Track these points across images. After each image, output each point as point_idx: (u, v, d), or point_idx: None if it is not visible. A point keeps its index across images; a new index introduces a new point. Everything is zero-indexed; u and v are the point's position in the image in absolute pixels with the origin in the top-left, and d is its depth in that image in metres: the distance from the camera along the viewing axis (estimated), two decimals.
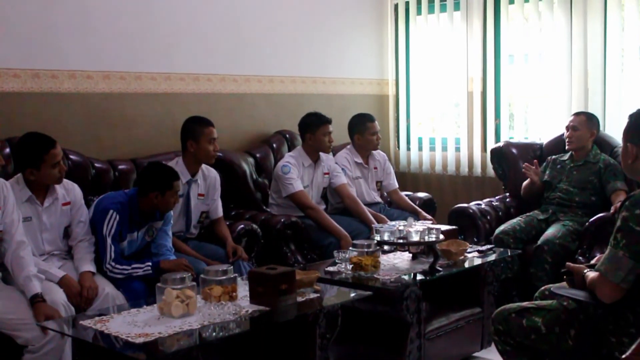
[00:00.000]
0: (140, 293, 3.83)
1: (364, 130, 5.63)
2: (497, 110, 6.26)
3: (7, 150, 4.12)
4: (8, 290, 3.59)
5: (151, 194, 4.01)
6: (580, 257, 4.71)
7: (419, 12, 6.67)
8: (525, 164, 5.35)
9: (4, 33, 4.45)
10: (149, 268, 3.97)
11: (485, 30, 6.24)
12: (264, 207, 5.41)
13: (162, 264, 3.99)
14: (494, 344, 3.22)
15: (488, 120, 6.30)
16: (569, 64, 5.76)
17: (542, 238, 4.90)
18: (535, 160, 5.37)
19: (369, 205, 5.47)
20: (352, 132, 5.70)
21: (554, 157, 5.44)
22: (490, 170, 6.08)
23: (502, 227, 5.12)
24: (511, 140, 5.99)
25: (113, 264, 3.94)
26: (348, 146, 5.75)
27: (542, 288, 3.43)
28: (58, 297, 3.59)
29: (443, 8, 6.48)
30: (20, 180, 3.87)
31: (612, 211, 4.70)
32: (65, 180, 4.02)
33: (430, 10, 6.59)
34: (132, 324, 3.02)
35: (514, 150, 5.78)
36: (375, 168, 5.79)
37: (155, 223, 4.19)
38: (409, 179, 6.79)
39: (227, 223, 4.82)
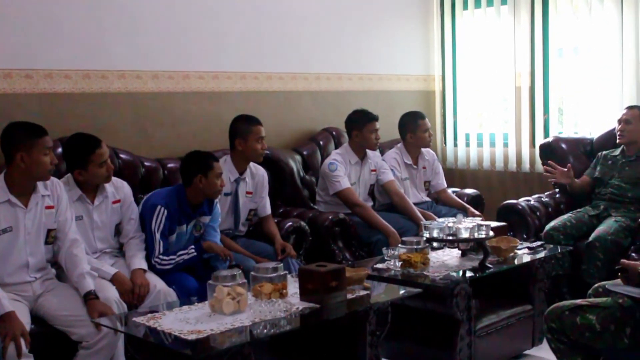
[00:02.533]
0: (192, 290, 3.87)
1: (416, 128, 5.60)
2: (546, 105, 6.17)
3: (59, 150, 4.18)
4: (62, 287, 3.66)
5: (195, 180, 4.06)
6: (633, 254, 4.63)
7: (465, 6, 6.61)
8: (544, 167, 5.28)
9: (56, 35, 4.52)
10: (193, 250, 4.07)
11: (533, 24, 6.15)
12: (312, 205, 5.41)
13: (203, 245, 4.10)
14: (547, 341, 3.18)
15: (536, 115, 6.22)
16: (620, 56, 5.65)
17: (594, 234, 4.82)
18: (569, 165, 5.29)
19: (416, 204, 5.43)
20: (403, 131, 5.67)
21: (604, 152, 5.34)
22: (539, 166, 6.00)
23: (552, 224, 5.05)
24: (560, 136, 5.91)
25: (161, 257, 4.00)
26: (398, 145, 5.72)
27: (596, 285, 3.38)
28: (111, 294, 3.64)
29: (490, 2, 6.41)
30: (70, 180, 3.94)
31: None
32: (114, 179, 4.08)
33: (477, 4, 6.52)
34: (184, 321, 3.05)
35: (564, 146, 5.69)
36: (424, 168, 5.75)
37: (203, 218, 4.23)
38: (456, 175, 6.74)
39: (275, 221, 4.84)
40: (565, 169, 5.25)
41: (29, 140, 3.50)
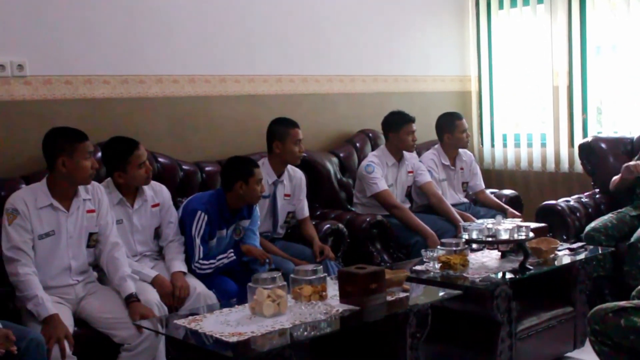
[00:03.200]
0: (231, 293, 3.90)
1: (453, 129, 5.57)
2: (584, 104, 6.11)
3: (99, 154, 4.23)
4: (104, 290, 3.70)
5: (235, 185, 4.08)
6: None
7: (501, 6, 6.57)
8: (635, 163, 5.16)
9: (94, 42, 4.57)
10: (232, 254, 4.09)
11: (570, 22, 6.09)
12: (349, 207, 5.41)
13: (242, 248, 4.12)
14: (591, 344, 3.14)
15: (575, 115, 6.15)
16: None
17: (636, 235, 4.74)
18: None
19: (454, 205, 5.40)
20: (441, 132, 5.65)
21: None
22: (578, 166, 5.95)
23: (592, 224, 4.99)
24: (600, 135, 5.84)
25: (201, 261, 4.03)
26: (435, 146, 5.70)
27: None
28: (151, 296, 3.68)
29: (526, 1, 6.36)
30: (110, 184, 3.98)
31: None
32: (153, 182, 4.13)
33: (513, 3, 6.47)
34: (224, 323, 3.06)
35: (603, 145, 5.62)
36: (462, 169, 5.72)
37: (243, 222, 4.25)
38: (493, 176, 6.69)
39: (313, 223, 4.85)
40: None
41: (70, 145, 3.54)
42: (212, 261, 4.06)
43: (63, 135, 3.60)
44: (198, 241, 4.04)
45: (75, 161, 3.54)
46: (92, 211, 3.70)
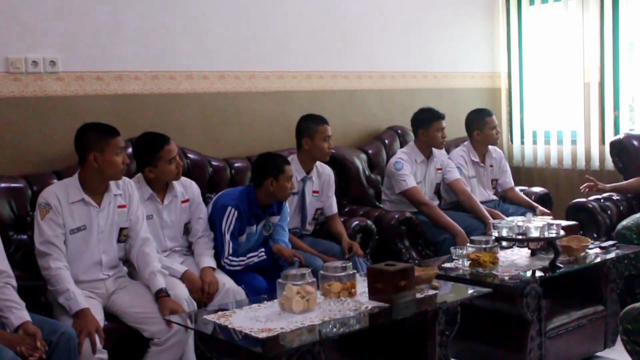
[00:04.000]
0: (261, 289, 3.90)
1: (483, 125, 5.54)
2: (616, 101, 6.04)
3: (130, 150, 4.26)
4: (134, 285, 3.73)
5: (266, 182, 4.09)
6: None
7: (531, 1, 6.50)
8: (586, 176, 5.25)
9: (125, 38, 4.61)
10: (263, 254, 4.09)
11: (602, 17, 6.01)
12: (377, 203, 5.40)
13: (273, 248, 4.11)
14: (623, 343, 3.10)
15: (606, 112, 6.08)
16: None
17: None
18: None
19: (483, 203, 5.37)
20: (470, 128, 5.62)
21: None
22: (609, 164, 5.88)
23: (624, 222, 4.93)
24: (632, 132, 5.76)
25: (231, 257, 4.04)
26: (465, 143, 5.67)
27: None
28: (181, 292, 3.70)
29: None
30: (140, 179, 4.01)
31: None
32: (183, 178, 4.15)
33: None
34: (254, 319, 3.07)
35: (635, 143, 5.56)
36: (492, 166, 5.69)
37: (272, 218, 4.26)
38: (523, 173, 6.64)
39: (341, 219, 4.85)
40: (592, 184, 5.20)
41: (101, 141, 3.58)
42: (242, 258, 4.07)
43: (95, 130, 3.64)
44: (228, 237, 4.05)
45: (106, 157, 3.57)
46: (123, 206, 3.73)
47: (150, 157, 3.96)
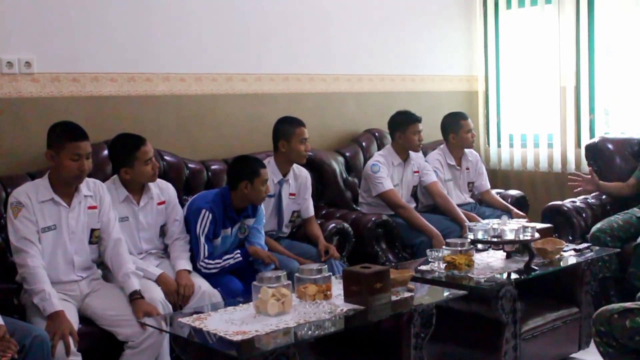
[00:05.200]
0: (237, 292, 3.90)
1: (458, 129, 5.57)
2: (592, 105, 6.09)
3: (105, 152, 4.24)
4: (108, 287, 3.71)
5: (240, 185, 4.08)
6: None
7: (508, 5, 6.55)
8: (569, 176, 5.21)
9: (102, 39, 4.58)
10: (239, 255, 4.09)
11: (578, 22, 6.07)
12: (354, 206, 5.41)
13: (249, 249, 4.11)
14: (596, 345, 3.13)
15: (582, 116, 6.13)
16: None
17: None
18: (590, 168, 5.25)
19: (459, 206, 5.40)
20: (446, 132, 5.64)
21: None
22: (585, 167, 5.93)
23: (598, 225, 4.97)
24: (607, 136, 5.82)
25: (206, 260, 4.03)
26: (441, 146, 5.69)
27: None
28: (156, 294, 3.68)
29: (534, 1, 6.34)
30: (116, 181, 4.00)
31: None
32: (159, 180, 4.14)
33: (521, 3, 6.46)
34: (229, 322, 3.06)
35: (610, 146, 5.62)
36: (468, 169, 5.72)
37: (248, 220, 4.25)
38: (499, 176, 6.67)
39: (318, 222, 4.85)
40: (589, 176, 5.18)
41: (60, 142, 3.55)
42: (217, 261, 4.06)
43: (59, 130, 3.61)
44: (202, 240, 4.05)
45: (60, 158, 3.54)
46: (94, 207, 3.72)
47: (126, 158, 3.94)
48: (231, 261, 4.08)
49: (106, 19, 4.60)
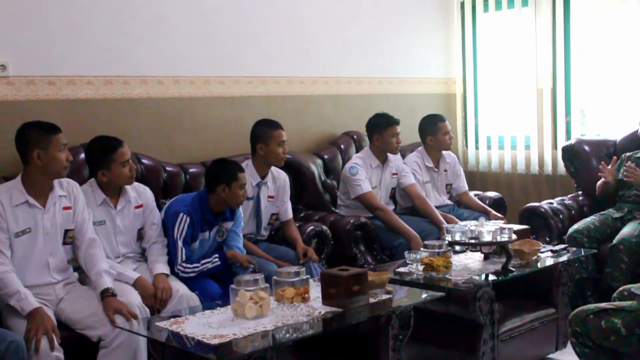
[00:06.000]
0: (215, 295, 3.89)
1: (436, 131, 5.59)
2: (568, 106, 6.14)
3: (82, 155, 4.22)
4: (83, 290, 3.69)
5: (218, 188, 4.07)
6: None
7: (485, 8, 6.59)
8: (603, 162, 5.22)
9: (78, 42, 4.56)
10: (217, 260, 4.08)
11: (554, 25, 6.12)
12: (333, 209, 5.41)
13: (227, 254, 4.09)
14: (572, 345, 3.16)
15: (558, 117, 6.18)
16: None
17: (618, 237, 4.77)
18: (614, 158, 5.24)
19: (437, 207, 5.42)
20: (424, 134, 5.66)
21: (628, 154, 5.29)
22: (562, 169, 5.98)
23: (575, 226, 5.02)
24: (583, 138, 5.86)
25: (184, 264, 4.02)
26: (419, 148, 5.71)
27: (621, 288, 3.36)
28: (133, 298, 3.65)
29: (511, 3, 6.38)
30: (93, 184, 3.97)
31: None
32: (136, 184, 4.12)
33: (498, 6, 6.50)
34: (206, 325, 3.06)
35: (586, 148, 5.66)
36: (445, 171, 5.74)
37: (226, 223, 4.25)
38: (477, 178, 6.71)
39: (297, 225, 4.85)
40: (610, 167, 5.19)
41: (44, 138, 3.54)
42: (195, 265, 4.05)
43: (36, 128, 3.59)
44: (180, 243, 4.03)
45: (50, 153, 3.53)
46: (68, 208, 3.69)
47: (103, 160, 3.92)
48: (209, 265, 4.07)
49: (82, 22, 4.57)
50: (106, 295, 3.53)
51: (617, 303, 3.12)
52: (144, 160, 4.59)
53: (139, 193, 4.11)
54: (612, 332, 2.97)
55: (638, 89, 5.67)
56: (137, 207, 4.07)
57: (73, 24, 4.53)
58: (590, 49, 6.03)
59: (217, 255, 4.09)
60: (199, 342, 2.88)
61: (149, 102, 4.91)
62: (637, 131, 5.29)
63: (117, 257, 3.98)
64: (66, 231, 3.69)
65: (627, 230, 4.82)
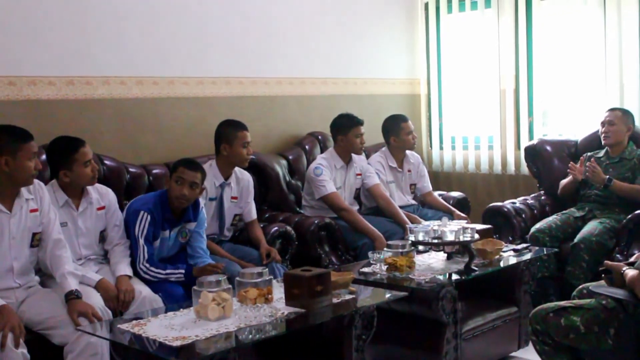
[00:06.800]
0: (178, 297, 3.86)
1: (399, 131, 5.61)
2: (530, 107, 6.21)
3: (44, 157, 4.17)
4: (44, 292, 3.65)
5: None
6: (618, 255, 4.66)
7: (449, 10, 6.64)
8: (571, 162, 5.28)
9: (39, 42, 4.50)
10: (182, 275, 4.01)
11: (517, 27, 6.19)
12: (298, 209, 5.41)
13: (194, 271, 4.01)
14: (532, 343, 3.19)
15: (521, 118, 6.25)
16: (603, 58, 5.69)
17: (579, 236, 4.84)
18: (582, 157, 5.30)
19: (402, 207, 5.44)
20: (387, 134, 5.69)
21: (589, 154, 5.36)
22: (524, 169, 6.04)
23: (537, 226, 5.07)
24: (545, 138, 5.93)
25: (147, 265, 3.99)
26: (382, 149, 5.73)
27: (580, 287, 3.40)
28: (95, 301, 3.61)
29: (474, 5, 6.44)
30: (55, 185, 3.92)
31: None
32: (99, 185, 4.08)
33: (461, 7, 6.55)
34: (169, 327, 3.04)
35: (548, 148, 5.72)
36: (409, 171, 5.77)
37: (189, 224, 4.22)
38: (442, 178, 6.76)
39: (261, 225, 4.84)
40: (579, 165, 5.24)
41: (14, 145, 3.48)
42: (159, 271, 4.00)
43: (7, 134, 3.54)
44: (142, 241, 4.00)
45: (18, 161, 3.48)
46: (35, 210, 3.64)
47: (65, 160, 3.87)
48: (172, 278, 4.00)
49: (44, 21, 4.52)
50: (71, 297, 3.49)
51: (577, 301, 3.16)
52: (106, 162, 4.55)
53: (102, 194, 4.07)
54: (571, 330, 3.01)
55: (599, 89, 5.74)
56: (99, 209, 4.03)
57: (34, 23, 4.48)
58: (552, 50, 6.10)
59: (182, 271, 4.02)
60: (161, 344, 2.86)
61: (111, 102, 4.86)
62: (597, 131, 5.36)
63: (79, 259, 3.93)
64: (34, 234, 3.64)
65: (587, 229, 4.89)
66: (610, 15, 5.62)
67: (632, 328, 2.87)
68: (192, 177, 4.08)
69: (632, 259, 3.17)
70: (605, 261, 3.14)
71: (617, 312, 2.93)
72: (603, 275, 3.07)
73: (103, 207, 4.05)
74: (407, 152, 5.75)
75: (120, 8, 4.88)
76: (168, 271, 4.03)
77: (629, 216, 4.77)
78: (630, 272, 2.85)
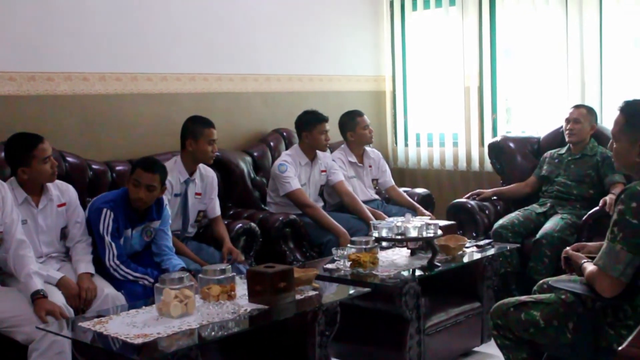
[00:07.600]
0: (141, 295, 3.83)
1: (354, 126, 5.64)
2: (494, 104, 6.26)
3: (2, 154, 4.11)
4: (5, 291, 3.61)
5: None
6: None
7: (414, 7, 6.67)
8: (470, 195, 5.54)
9: None
10: (151, 284, 3.93)
11: (481, 25, 6.23)
12: (262, 206, 5.41)
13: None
14: (493, 338, 3.22)
15: (485, 115, 6.30)
16: (565, 57, 5.76)
17: (541, 232, 4.90)
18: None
19: (366, 202, 5.47)
20: (343, 130, 5.71)
21: (551, 151, 5.43)
22: (488, 165, 6.10)
23: (500, 222, 5.13)
24: (508, 135, 5.99)
25: (118, 262, 3.96)
26: (342, 146, 5.76)
27: (541, 282, 3.43)
28: (57, 299, 3.57)
29: (438, 3, 6.48)
30: (13, 182, 3.87)
31: (600, 204, 4.73)
32: (59, 182, 4.03)
33: (426, 5, 6.58)
34: (130, 325, 3.02)
35: (512, 145, 5.78)
36: (370, 166, 5.79)
37: (153, 223, 4.19)
38: (407, 175, 6.79)
39: (225, 222, 4.82)
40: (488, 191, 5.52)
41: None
42: (130, 272, 3.96)
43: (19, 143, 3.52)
44: (108, 239, 3.96)
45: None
46: None
47: (24, 157, 3.81)
48: (141, 282, 3.97)
49: (4, 16, 4.46)
50: (37, 297, 3.45)
51: (537, 296, 3.19)
52: (68, 159, 4.51)
53: (62, 191, 4.02)
54: (531, 324, 3.04)
55: (561, 88, 5.81)
56: (60, 206, 3.99)
57: None
58: (516, 48, 6.16)
59: (152, 280, 3.94)
60: (123, 343, 2.84)
61: (74, 99, 4.81)
62: (559, 128, 5.43)
63: (39, 257, 3.87)
64: None
65: (549, 225, 4.95)
66: (571, 14, 5.68)
67: (590, 322, 2.91)
68: (149, 180, 4.01)
69: (590, 245, 3.20)
70: (567, 249, 3.17)
71: (576, 306, 2.96)
72: (563, 259, 3.11)
73: (64, 204, 4.01)
74: (367, 148, 5.78)
75: (83, 3, 4.83)
76: (138, 275, 3.98)
77: (589, 212, 4.84)
78: (589, 267, 2.88)
